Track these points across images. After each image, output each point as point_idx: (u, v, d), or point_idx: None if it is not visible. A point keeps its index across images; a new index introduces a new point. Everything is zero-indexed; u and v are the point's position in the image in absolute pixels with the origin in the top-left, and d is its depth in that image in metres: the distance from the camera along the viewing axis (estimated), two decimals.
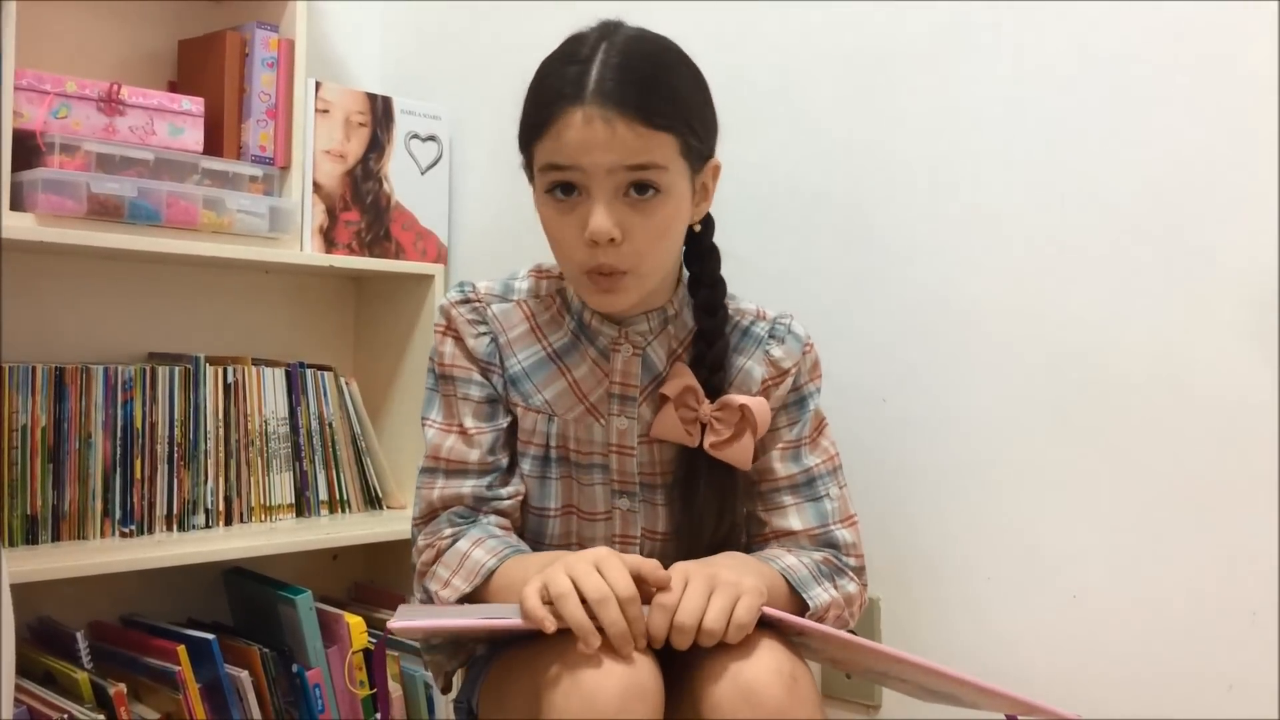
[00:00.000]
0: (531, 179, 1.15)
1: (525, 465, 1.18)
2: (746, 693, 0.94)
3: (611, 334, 1.17)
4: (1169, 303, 1.21)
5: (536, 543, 1.19)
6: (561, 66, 1.09)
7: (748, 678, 0.95)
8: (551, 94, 1.08)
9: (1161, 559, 1.22)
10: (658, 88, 1.07)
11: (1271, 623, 1.15)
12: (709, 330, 1.17)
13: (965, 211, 1.36)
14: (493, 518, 1.17)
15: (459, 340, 1.19)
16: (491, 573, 1.08)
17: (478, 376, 1.18)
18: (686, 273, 1.22)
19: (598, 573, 0.95)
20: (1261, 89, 1.15)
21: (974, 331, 1.35)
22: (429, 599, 1.14)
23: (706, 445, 1.14)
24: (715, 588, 0.96)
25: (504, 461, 1.18)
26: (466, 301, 1.20)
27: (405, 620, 0.96)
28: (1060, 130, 1.29)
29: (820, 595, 1.11)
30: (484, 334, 1.19)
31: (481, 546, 1.12)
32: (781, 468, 1.19)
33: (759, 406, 1.14)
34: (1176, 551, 1.21)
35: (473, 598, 1.09)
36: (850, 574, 1.18)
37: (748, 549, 1.19)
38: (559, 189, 1.09)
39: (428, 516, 1.18)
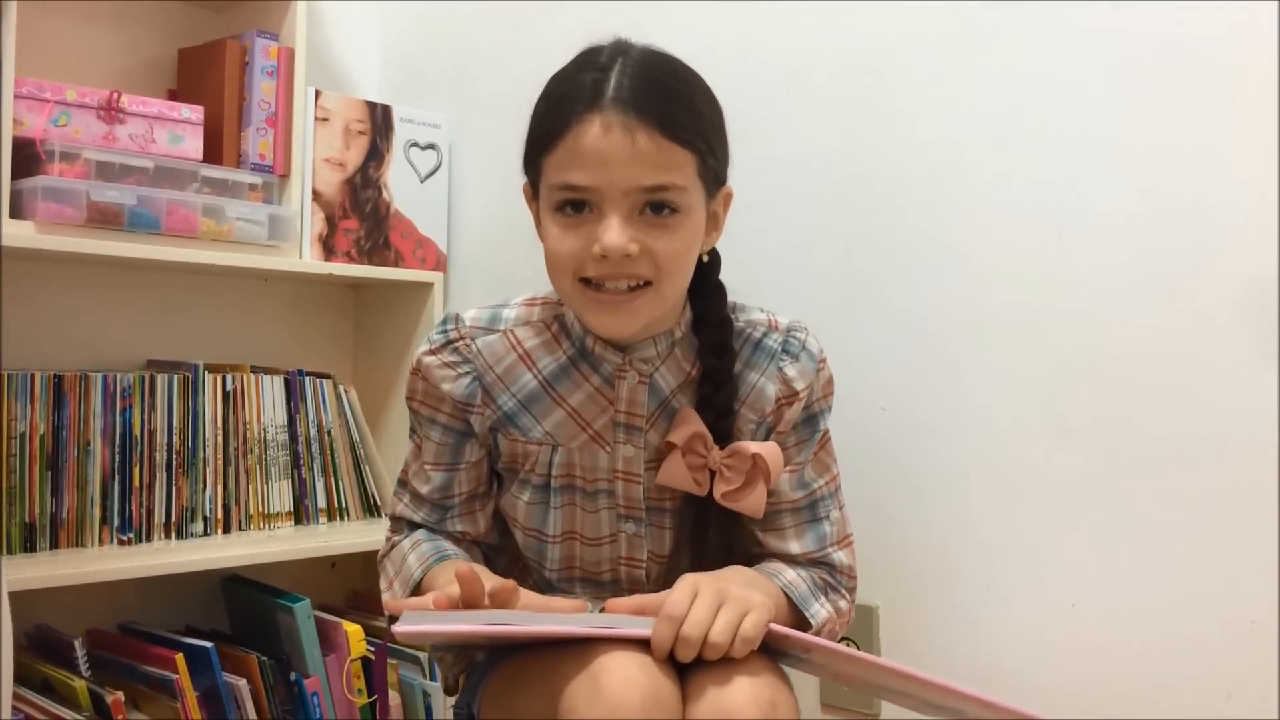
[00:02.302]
0: (536, 195, 1.10)
1: (525, 494, 1.16)
2: (725, 717, 0.94)
3: (616, 360, 1.12)
4: (1168, 308, 1.21)
5: (538, 566, 1.19)
6: (576, 74, 1.05)
7: (727, 702, 0.94)
8: (566, 101, 1.03)
9: (1160, 566, 1.21)
10: (677, 99, 1.04)
11: (1271, 630, 1.14)
12: (716, 373, 1.12)
13: (964, 218, 1.36)
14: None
15: (428, 382, 1.15)
16: (418, 583, 1.11)
17: (442, 418, 1.16)
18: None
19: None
20: (1261, 89, 1.16)
21: (972, 338, 1.35)
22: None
23: (718, 495, 1.09)
24: (724, 602, 0.96)
25: (458, 499, 1.18)
26: (448, 344, 1.15)
27: (411, 625, 0.96)
28: (1060, 134, 1.29)
29: (819, 612, 1.12)
30: (465, 373, 1.14)
31: (416, 551, 1.15)
32: (786, 491, 1.15)
33: (772, 455, 1.09)
34: (1176, 559, 1.20)
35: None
36: (843, 592, 1.18)
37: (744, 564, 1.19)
38: (569, 206, 1.04)
39: (394, 521, 1.23)
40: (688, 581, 0.98)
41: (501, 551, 1.25)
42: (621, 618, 1.00)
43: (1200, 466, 1.19)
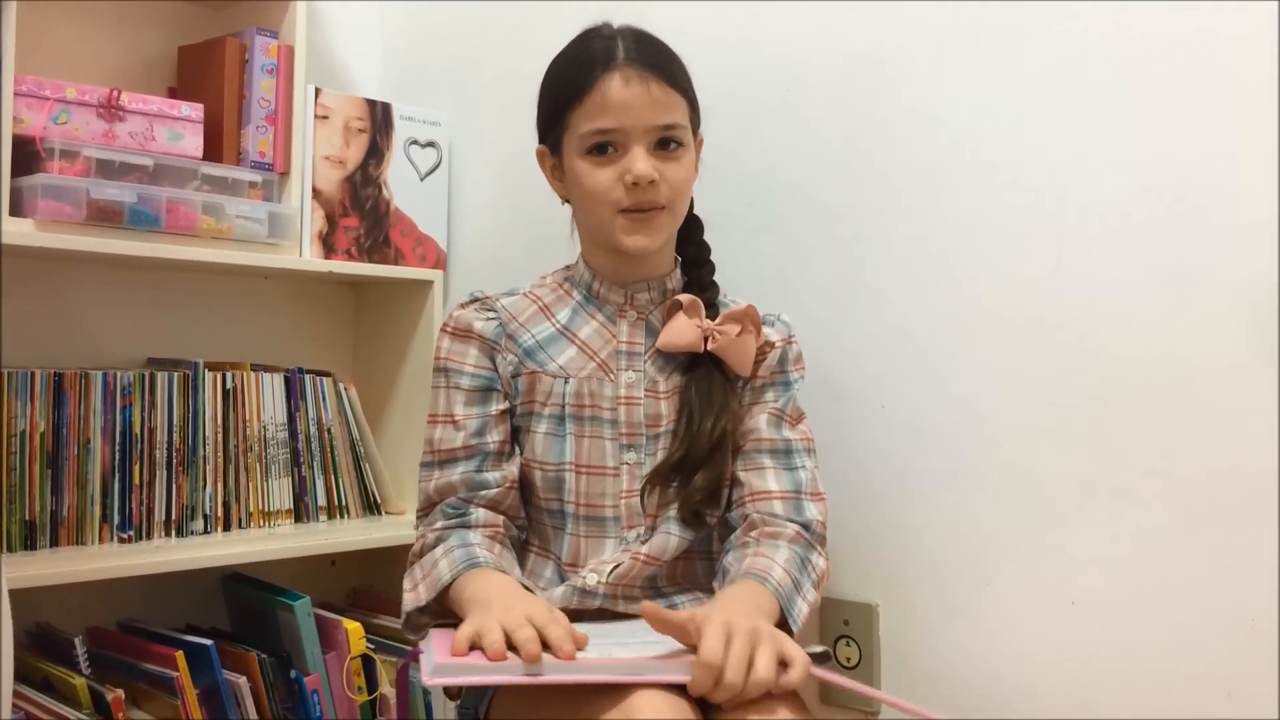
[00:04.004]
0: (556, 151, 1.27)
1: (542, 426, 1.26)
2: None
3: (618, 300, 1.30)
4: (1168, 308, 1.21)
5: (557, 502, 1.25)
6: (588, 43, 1.24)
7: None
8: (586, 64, 1.22)
9: (1161, 565, 1.21)
10: (670, 58, 1.25)
11: (1271, 629, 1.15)
12: (699, 279, 1.31)
13: (964, 216, 1.36)
14: (481, 513, 1.24)
15: (457, 335, 1.29)
16: (446, 587, 1.15)
17: (469, 366, 1.28)
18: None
19: (530, 625, 0.99)
20: (1261, 89, 1.16)
21: (973, 337, 1.35)
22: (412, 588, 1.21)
23: (710, 347, 1.24)
24: (758, 643, 0.97)
25: (491, 445, 1.26)
26: (475, 300, 1.32)
27: (443, 677, 0.96)
28: (1060, 134, 1.29)
29: (801, 609, 1.15)
30: (492, 319, 1.30)
31: (449, 556, 1.18)
32: (765, 430, 1.27)
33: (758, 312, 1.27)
34: (1176, 557, 1.20)
35: (431, 607, 1.17)
36: (818, 547, 1.23)
37: (727, 514, 1.25)
38: (597, 149, 1.22)
39: (426, 509, 1.27)
40: (718, 624, 0.97)
41: (527, 546, 1.29)
42: (655, 664, 0.99)
43: (1200, 465, 1.19)
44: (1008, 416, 1.32)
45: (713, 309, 1.28)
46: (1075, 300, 1.27)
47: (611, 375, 1.26)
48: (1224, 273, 1.18)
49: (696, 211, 1.34)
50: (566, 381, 1.26)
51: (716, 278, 1.33)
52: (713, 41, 1.52)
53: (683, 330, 1.25)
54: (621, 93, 1.20)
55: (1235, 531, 1.17)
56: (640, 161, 1.20)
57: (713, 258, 1.34)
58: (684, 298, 1.26)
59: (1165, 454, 1.21)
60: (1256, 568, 1.15)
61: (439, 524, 1.24)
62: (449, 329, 1.30)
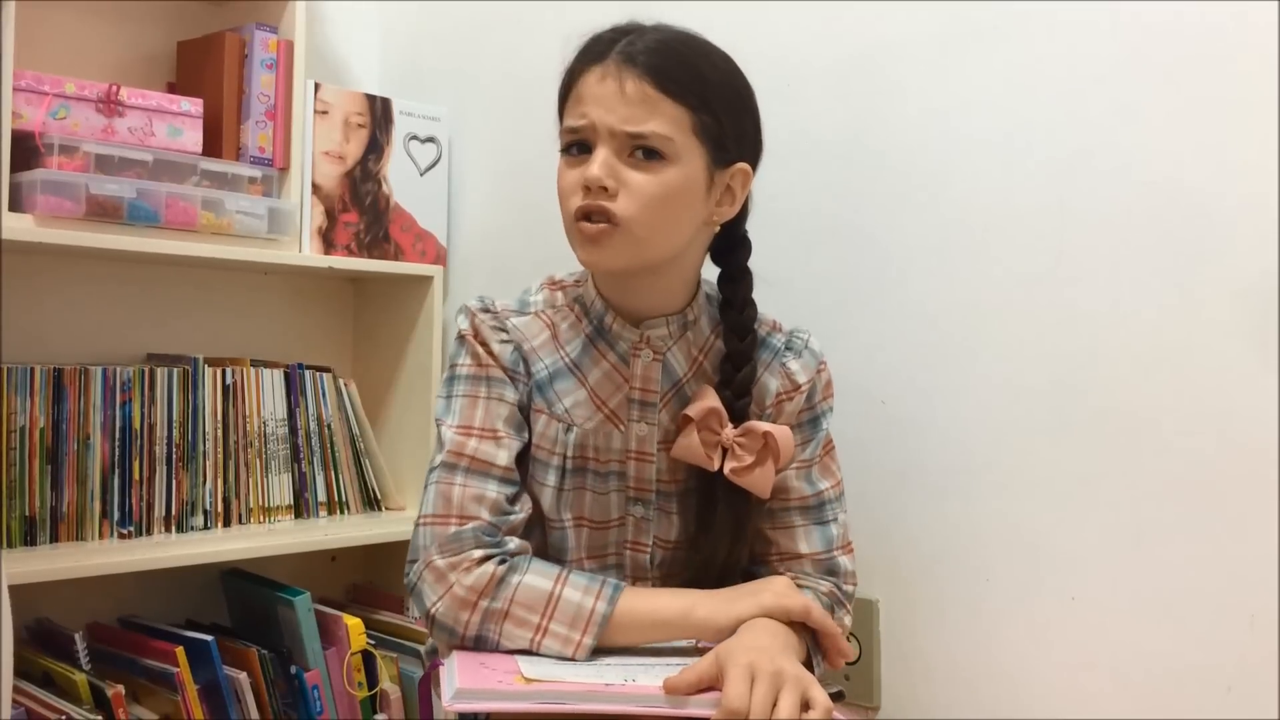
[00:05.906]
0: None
1: (550, 477, 1.15)
2: None
3: (632, 338, 1.16)
4: (1169, 306, 1.21)
5: (559, 558, 1.16)
6: (597, 36, 1.13)
7: None
8: (580, 59, 1.12)
9: (1160, 561, 1.22)
10: (677, 59, 1.09)
11: (1271, 625, 1.15)
12: (738, 354, 1.16)
13: (964, 214, 1.36)
14: (515, 542, 1.10)
15: (487, 345, 1.16)
16: (607, 618, 1.05)
17: (510, 383, 1.15)
18: (711, 286, 1.22)
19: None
20: (1261, 89, 1.15)
21: (973, 333, 1.35)
22: (491, 640, 1.06)
23: (727, 470, 1.12)
24: (783, 684, 0.96)
25: (519, 477, 1.14)
26: (487, 311, 1.18)
27: (465, 703, 0.95)
28: (1059, 133, 1.29)
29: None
30: (506, 342, 1.16)
31: (569, 585, 1.06)
32: (795, 486, 1.19)
33: (783, 436, 1.13)
34: (1175, 554, 1.21)
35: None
36: (846, 604, 1.20)
37: (750, 568, 1.20)
38: (574, 148, 1.11)
39: (442, 516, 1.09)
40: (742, 666, 0.96)
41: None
42: (681, 698, 0.98)
43: (1200, 461, 1.19)
44: (1007, 412, 1.32)
45: (744, 397, 1.15)
46: (1075, 296, 1.27)
47: (621, 425, 1.16)
48: (1225, 270, 1.18)
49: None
50: (569, 430, 1.15)
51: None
52: (711, 39, 1.51)
53: (692, 448, 1.12)
54: (594, 89, 1.08)
55: (1235, 528, 1.17)
56: (594, 165, 1.07)
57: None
58: (694, 411, 1.12)
59: (1165, 451, 1.21)
60: (1256, 564, 1.15)
61: (477, 553, 1.07)
62: (478, 338, 1.16)
